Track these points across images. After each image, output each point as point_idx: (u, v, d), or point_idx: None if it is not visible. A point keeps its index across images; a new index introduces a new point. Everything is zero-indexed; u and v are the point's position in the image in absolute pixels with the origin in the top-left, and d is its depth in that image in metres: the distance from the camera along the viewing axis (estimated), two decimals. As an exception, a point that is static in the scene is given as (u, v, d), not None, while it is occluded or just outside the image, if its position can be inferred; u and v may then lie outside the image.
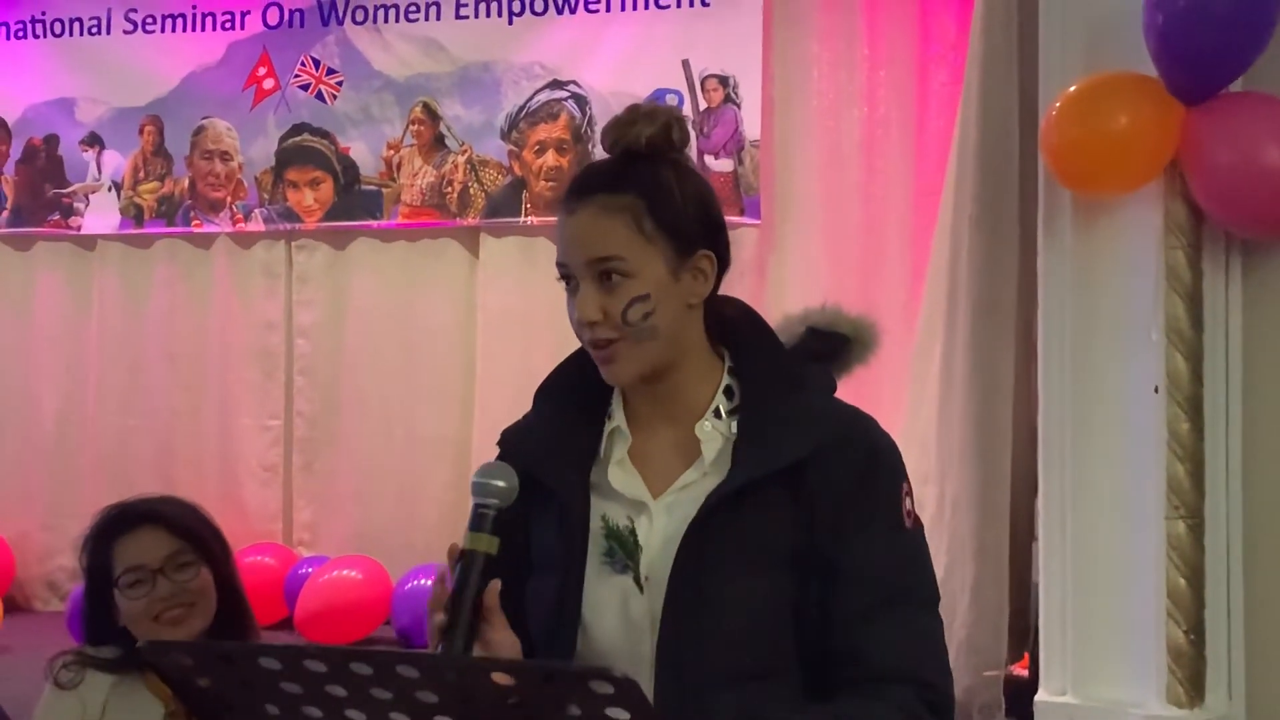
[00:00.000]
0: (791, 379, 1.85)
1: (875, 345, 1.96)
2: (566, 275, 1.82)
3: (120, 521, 2.50)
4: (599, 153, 7.35)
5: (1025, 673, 4.68)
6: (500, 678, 1.37)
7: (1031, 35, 4.46)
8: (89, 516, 2.62)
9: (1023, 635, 4.81)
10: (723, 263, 1.85)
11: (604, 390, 1.89)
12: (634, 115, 1.84)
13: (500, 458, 1.91)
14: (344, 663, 1.39)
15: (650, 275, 1.79)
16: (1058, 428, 4.23)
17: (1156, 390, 4.01)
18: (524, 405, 1.99)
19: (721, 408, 1.85)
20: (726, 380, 1.87)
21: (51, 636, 5.78)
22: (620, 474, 1.86)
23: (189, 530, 2.49)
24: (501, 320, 6.86)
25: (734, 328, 1.90)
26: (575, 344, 1.92)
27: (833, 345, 1.94)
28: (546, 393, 1.95)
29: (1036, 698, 4.27)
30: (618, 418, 1.89)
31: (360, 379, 7.14)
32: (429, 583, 6.64)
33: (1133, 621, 4.07)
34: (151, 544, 2.46)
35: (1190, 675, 3.97)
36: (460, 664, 1.38)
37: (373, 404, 7.11)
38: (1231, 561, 4.04)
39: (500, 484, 1.71)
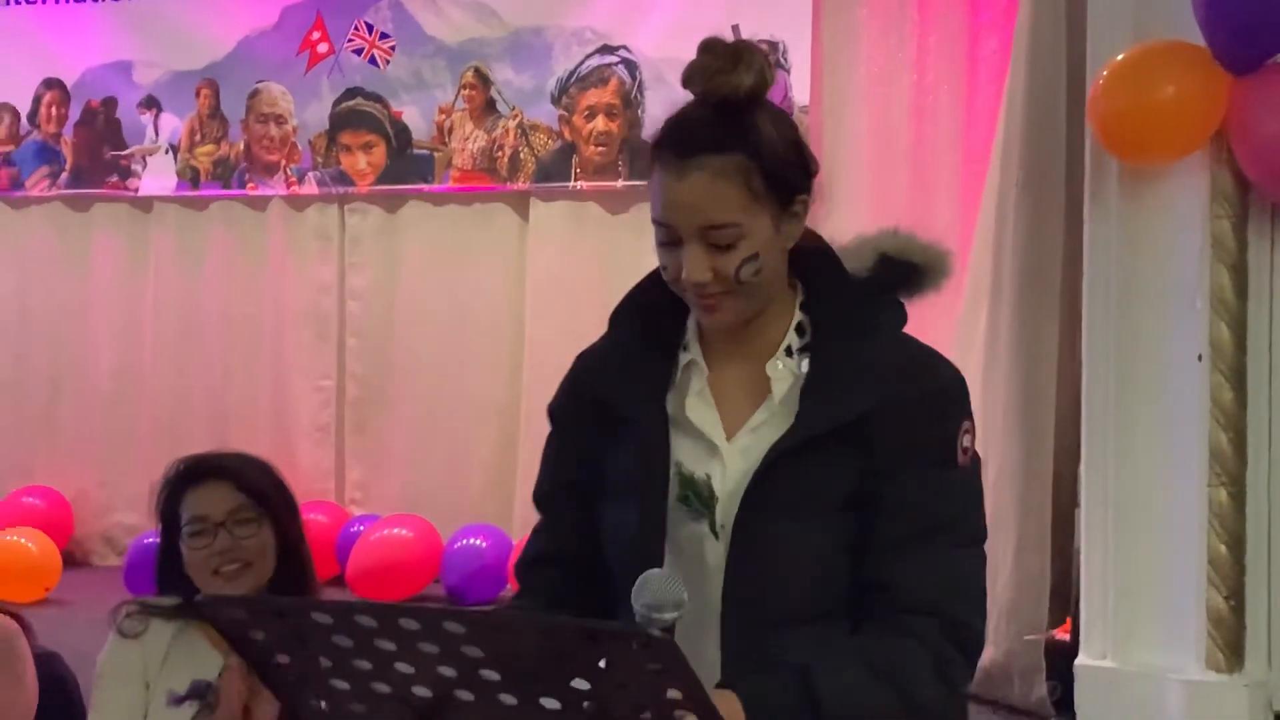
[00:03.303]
0: (862, 323, 1.83)
1: (948, 274, 1.92)
2: (669, 235, 1.79)
3: (191, 473, 2.55)
4: (649, 117, 7.37)
5: (1067, 637, 4.70)
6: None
7: (1080, 3, 4.45)
8: (145, 473, 2.69)
9: (1064, 600, 4.83)
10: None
11: (678, 316, 1.88)
12: (729, 62, 1.77)
13: (575, 380, 1.95)
14: (393, 618, 1.43)
15: (760, 234, 1.77)
16: (1101, 395, 4.24)
17: (1200, 359, 4.01)
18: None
19: (793, 345, 1.85)
20: (799, 316, 1.86)
21: (109, 591, 5.88)
22: (699, 406, 1.86)
23: (254, 487, 2.53)
24: (550, 284, 6.91)
25: (807, 259, 1.87)
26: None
27: (903, 273, 1.90)
28: (621, 317, 1.94)
29: (1077, 661, 4.30)
30: (693, 350, 1.88)
31: (411, 341, 7.22)
32: (479, 542, 6.76)
33: (1173, 587, 4.09)
34: (216, 497, 2.50)
35: (1230, 641, 3.99)
36: (503, 622, 1.43)
37: (423, 366, 7.18)
38: (1273, 529, 4.05)
39: (671, 617, 1.64)
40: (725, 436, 1.85)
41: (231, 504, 2.50)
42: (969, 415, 1.84)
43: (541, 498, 1.99)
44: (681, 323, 1.89)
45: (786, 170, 1.79)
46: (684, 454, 1.85)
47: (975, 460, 1.85)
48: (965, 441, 1.81)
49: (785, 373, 1.84)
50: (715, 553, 1.82)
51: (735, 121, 1.77)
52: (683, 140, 1.78)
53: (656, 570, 1.73)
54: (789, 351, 1.85)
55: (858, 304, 1.85)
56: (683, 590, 1.68)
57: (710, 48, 1.80)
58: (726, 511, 1.81)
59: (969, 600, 1.80)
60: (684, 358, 1.89)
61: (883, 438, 1.77)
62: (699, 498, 1.83)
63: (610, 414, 1.88)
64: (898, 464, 1.77)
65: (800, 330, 1.86)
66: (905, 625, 1.75)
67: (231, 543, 2.48)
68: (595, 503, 1.90)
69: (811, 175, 1.84)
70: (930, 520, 1.77)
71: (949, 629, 1.75)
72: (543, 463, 1.99)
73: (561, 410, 1.97)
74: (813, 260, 1.88)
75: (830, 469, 1.78)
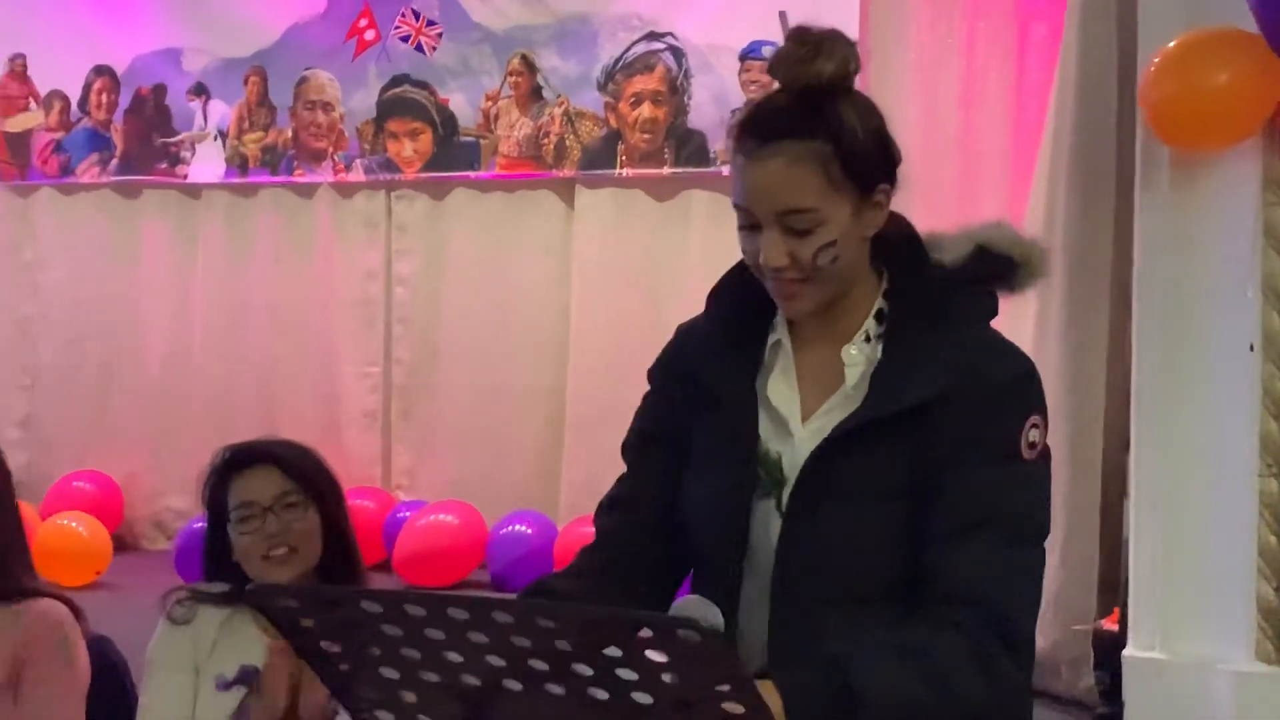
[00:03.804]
0: (939, 311, 1.85)
1: (1043, 272, 1.93)
2: (748, 219, 1.83)
3: (237, 459, 2.58)
4: (695, 104, 7.35)
5: (1115, 627, 4.68)
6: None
7: (1131, -7, 4.43)
8: (194, 458, 2.71)
9: (1112, 590, 4.81)
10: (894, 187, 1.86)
11: (769, 299, 1.90)
12: (811, 50, 1.80)
13: (672, 350, 2.00)
14: (442, 608, 1.44)
15: (838, 220, 1.79)
16: (1151, 385, 4.22)
17: (1251, 348, 3.99)
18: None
19: (870, 331, 1.87)
20: (880, 303, 1.89)
21: (159, 575, 5.94)
22: (781, 387, 1.90)
23: (301, 472, 2.56)
24: (596, 271, 6.91)
25: (893, 246, 1.90)
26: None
27: (999, 267, 1.91)
28: (717, 296, 1.98)
29: (1125, 652, 4.28)
30: (780, 331, 1.92)
31: (457, 328, 7.24)
32: (524, 529, 6.81)
33: (1223, 578, 4.06)
34: (264, 482, 2.54)
35: (1280, 632, 3.97)
36: (552, 613, 1.44)
37: (469, 352, 7.20)
38: (1324, 520, 4.03)
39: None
40: (801, 418, 1.88)
41: (278, 489, 2.53)
42: (1038, 410, 1.83)
43: (629, 446, 2.04)
44: (774, 303, 1.91)
45: (867, 158, 1.81)
46: (764, 432, 1.88)
47: (1044, 456, 1.84)
48: (1032, 436, 1.81)
49: (859, 358, 1.86)
50: (778, 531, 1.85)
51: (815, 108, 1.79)
52: (763, 126, 1.81)
53: (691, 597, 1.77)
54: (866, 337, 1.87)
55: (938, 294, 1.86)
56: (718, 615, 1.72)
57: (796, 36, 1.83)
58: (790, 491, 1.84)
59: (1017, 594, 1.78)
60: (771, 337, 1.92)
61: (945, 427, 1.78)
62: (770, 476, 1.86)
63: (702, 389, 1.93)
64: (958, 454, 1.78)
65: (880, 317, 1.88)
66: (948, 615, 1.74)
67: (280, 526, 2.51)
68: (679, 459, 1.95)
69: (895, 165, 1.86)
70: (984, 512, 1.77)
71: (993, 621, 1.74)
72: (635, 416, 2.05)
73: (657, 372, 2.03)
74: (899, 248, 1.89)
75: (889, 455, 1.79)
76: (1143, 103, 4.10)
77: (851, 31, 6.38)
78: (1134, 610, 4.28)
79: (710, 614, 1.72)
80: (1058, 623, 4.75)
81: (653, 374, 2.04)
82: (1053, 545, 4.76)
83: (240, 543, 2.53)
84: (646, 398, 2.04)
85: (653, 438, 2.01)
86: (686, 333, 2.01)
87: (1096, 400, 4.78)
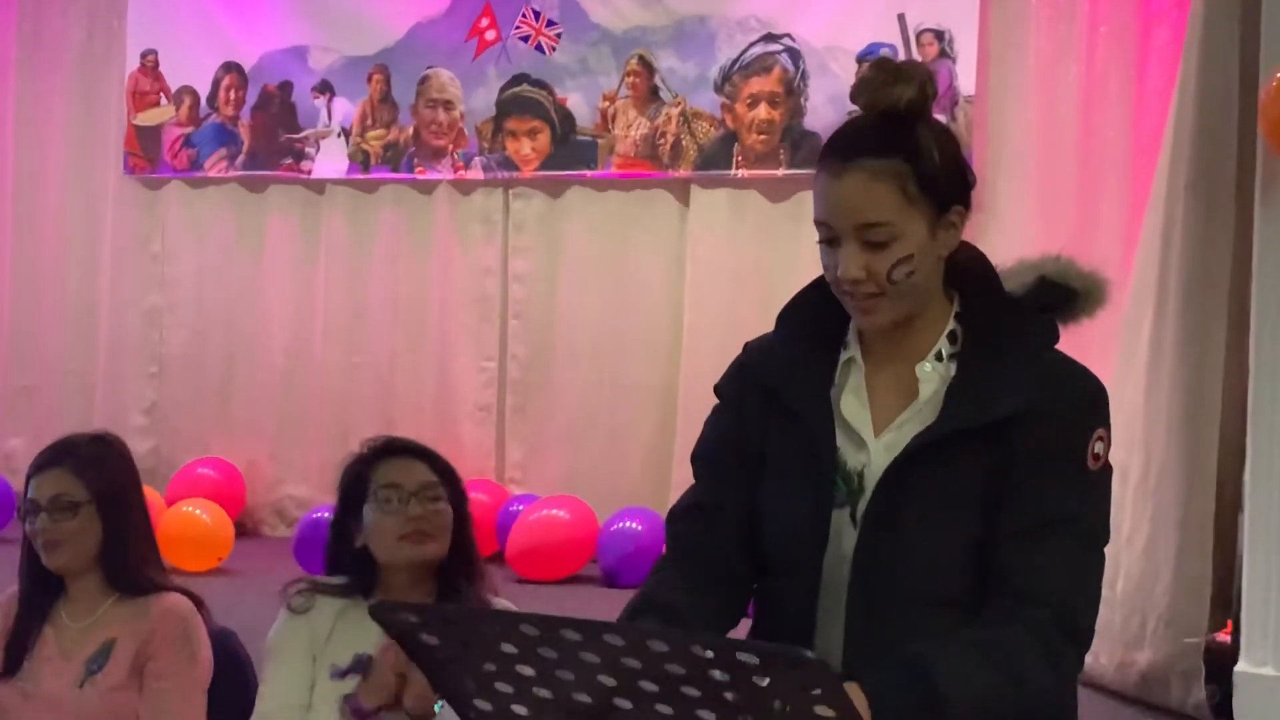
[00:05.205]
0: (1012, 333, 1.92)
1: (1104, 302, 2.01)
2: (828, 234, 1.90)
3: (387, 448, 2.71)
4: (811, 106, 7.35)
5: (1228, 639, 4.63)
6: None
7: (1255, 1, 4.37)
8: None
9: (1225, 605, 4.76)
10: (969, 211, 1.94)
11: (841, 318, 1.98)
12: (890, 76, 1.89)
13: (744, 364, 2.06)
14: (555, 629, 1.50)
15: (914, 237, 1.87)
16: (1268, 399, 4.18)
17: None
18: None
19: (944, 350, 1.94)
20: (952, 325, 1.95)
21: (279, 562, 6.09)
22: (853, 403, 1.96)
23: (444, 470, 2.70)
24: (710, 271, 6.96)
25: (965, 272, 1.97)
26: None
27: (1060, 297, 1.99)
28: (789, 316, 2.04)
29: (1236, 668, 4.25)
30: (853, 349, 1.99)
31: (572, 324, 7.32)
32: (635, 525, 6.84)
33: (1338, 598, 4.03)
34: (412, 470, 2.66)
35: (1396, 654, 3.92)
36: (661, 637, 1.48)
37: (583, 349, 7.29)
38: None
39: None
40: (873, 432, 1.94)
41: (425, 478, 2.65)
42: (1105, 425, 1.91)
43: (701, 454, 2.08)
44: (844, 323, 1.99)
45: (943, 179, 1.89)
46: (840, 445, 1.95)
47: (1106, 469, 1.92)
48: (1097, 449, 1.89)
49: (933, 375, 1.94)
50: (850, 541, 1.91)
51: (894, 130, 1.88)
52: (844, 145, 1.90)
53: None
54: (939, 356, 1.94)
55: (1009, 317, 1.94)
56: None
57: (876, 64, 1.93)
58: (868, 503, 1.91)
59: (1084, 593, 1.87)
60: (844, 355, 1.99)
61: (1018, 440, 1.86)
62: (847, 485, 1.93)
63: (776, 402, 1.99)
64: (1029, 461, 1.86)
65: (953, 338, 1.95)
66: (1020, 613, 1.82)
67: (423, 512, 2.62)
68: (753, 471, 2.00)
69: (969, 188, 1.93)
70: (1053, 513, 1.85)
71: (1063, 619, 1.82)
72: (705, 428, 2.10)
73: (729, 387, 2.08)
74: (971, 274, 1.97)
75: (964, 466, 1.87)
76: (1262, 119, 4.05)
77: (971, 35, 6.42)
78: (1247, 626, 4.24)
79: None
80: (1170, 636, 4.70)
81: (723, 389, 2.09)
82: (1166, 558, 4.73)
83: (380, 521, 2.63)
84: (716, 410, 2.10)
85: (727, 448, 2.04)
86: (758, 349, 2.06)
87: (1212, 414, 4.72)
